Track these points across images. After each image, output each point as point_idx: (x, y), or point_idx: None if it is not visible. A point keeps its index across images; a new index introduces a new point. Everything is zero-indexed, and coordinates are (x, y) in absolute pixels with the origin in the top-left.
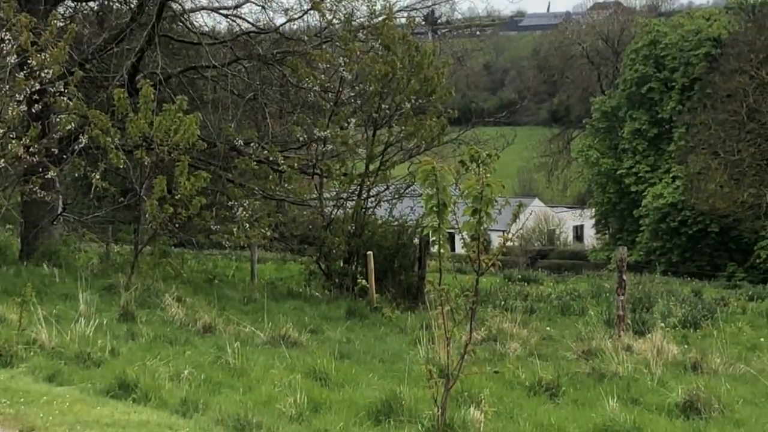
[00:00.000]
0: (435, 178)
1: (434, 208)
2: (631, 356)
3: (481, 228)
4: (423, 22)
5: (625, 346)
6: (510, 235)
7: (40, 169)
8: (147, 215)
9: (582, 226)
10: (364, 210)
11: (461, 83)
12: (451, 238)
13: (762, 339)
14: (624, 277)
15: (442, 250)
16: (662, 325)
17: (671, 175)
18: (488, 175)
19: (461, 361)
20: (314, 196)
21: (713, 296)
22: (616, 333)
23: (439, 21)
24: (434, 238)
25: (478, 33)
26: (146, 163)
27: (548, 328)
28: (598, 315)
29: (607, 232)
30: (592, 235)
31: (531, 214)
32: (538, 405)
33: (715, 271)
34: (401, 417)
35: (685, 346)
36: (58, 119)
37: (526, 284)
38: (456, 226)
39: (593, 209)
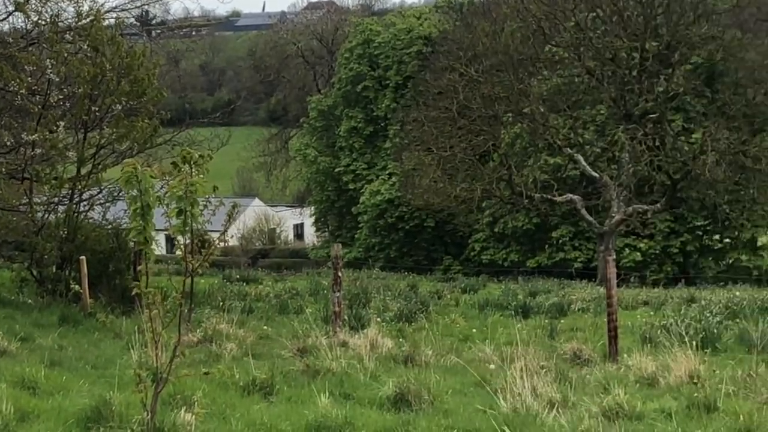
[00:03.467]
0: (138, 181)
1: (138, 211)
2: (347, 352)
3: (187, 228)
4: (137, 23)
5: (341, 342)
6: (222, 236)
7: None
8: None
9: (302, 225)
10: (76, 214)
11: (176, 84)
12: (172, 240)
13: (474, 330)
14: (339, 274)
15: (146, 252)
16: (378, 319)
17: (387, 172)
18: (201, 175)
19: (170, 363)
20: (24, 201)
21: (429, 290)
22: (332, 329)
23: (153, 22)
24: (138, 240)
25: (193, 33)
26: None
27: (266, 327)
28: (316, 312)
29: (326, 229)
30: (313, 233)
31: (245, 212)
32: (252, 404)
33: (432, 265)
34: (111, 423)
35: (400, 340)
36: None
37: (245, 284)
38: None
39: (312, 207)
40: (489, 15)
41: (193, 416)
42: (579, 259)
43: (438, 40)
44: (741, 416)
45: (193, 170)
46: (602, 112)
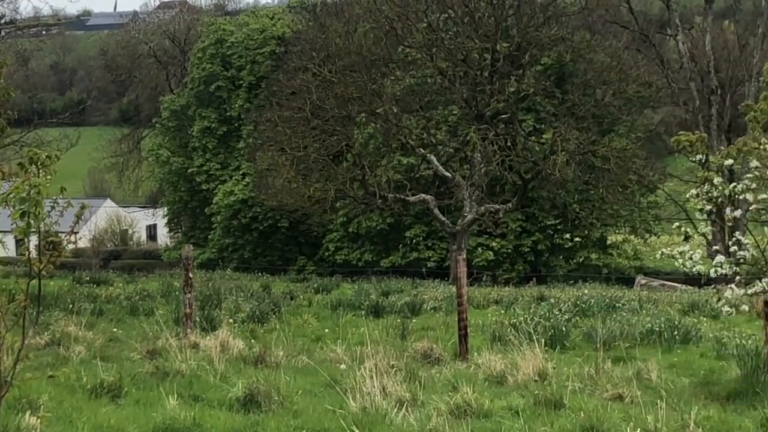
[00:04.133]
0: None
1: None
2: (197, 353)
3: (32, 230)
4: None
5: (192, 343)
6: (69, 237)
7: None
8: None
9: (155, 226)
10: None
11: (26, 84)
12: (21, 242)
13: (326, 330)
14: (190, 275)
15: None
16: (230, 321)
17: (241, 173)
18: (49, 176)
19: (14, 367)
20: None
21: (282, 290)
22: (183, 331)
23: (1, 21)
24: None
25: (44, 32)
26: None
27: (115, 330)
28: (167, 314)
29: (180, 230)
30: (166, 234)
31: (96, 213)
32: (99, 407)
33: (286, 265)
34: None
35: (251, 341)
36: None
37: (95, 286)
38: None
39: (165, 208)
40: (342, 15)
41: (38, 420)
42: (432, 259)
43: (291, 40)
44: (586, 412)
45: (40, 171)
46: (455, 112)
